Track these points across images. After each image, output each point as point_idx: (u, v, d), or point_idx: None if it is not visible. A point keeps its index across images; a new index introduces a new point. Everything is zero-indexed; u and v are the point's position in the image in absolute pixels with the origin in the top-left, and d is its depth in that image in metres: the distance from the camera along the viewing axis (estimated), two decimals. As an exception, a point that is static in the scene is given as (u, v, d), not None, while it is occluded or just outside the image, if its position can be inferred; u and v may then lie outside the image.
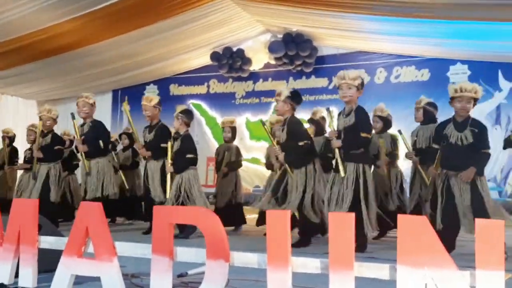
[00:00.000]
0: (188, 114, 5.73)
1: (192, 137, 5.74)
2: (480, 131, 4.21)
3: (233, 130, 6.91)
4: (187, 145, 5.55)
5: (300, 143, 4.76)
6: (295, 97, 4.94)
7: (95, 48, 8.52)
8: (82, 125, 5.87)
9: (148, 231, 5.46)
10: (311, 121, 5.99)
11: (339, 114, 4.69)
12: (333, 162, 4.68)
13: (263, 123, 5.33)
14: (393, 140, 5.73)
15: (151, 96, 6.04)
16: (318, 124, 5.91)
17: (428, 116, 5.32)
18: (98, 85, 10.55)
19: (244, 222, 6.62)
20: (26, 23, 7.26)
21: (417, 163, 5.25)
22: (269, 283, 2.05)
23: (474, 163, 4.12)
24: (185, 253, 2.29)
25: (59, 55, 8.55)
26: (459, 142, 4.20)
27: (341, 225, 1.89)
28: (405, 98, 8.54)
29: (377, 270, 1.85)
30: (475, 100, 4.25)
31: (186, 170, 5.44)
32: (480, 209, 4.01)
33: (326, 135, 5.49)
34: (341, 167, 4.34)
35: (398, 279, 1.75)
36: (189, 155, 5.49)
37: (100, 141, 5.71)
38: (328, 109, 4.77)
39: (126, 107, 6.07)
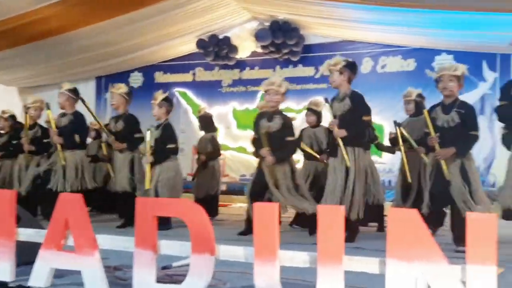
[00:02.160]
0: (169, 101, 5.55)
1: (172, 126, 5.55)
2: (467, 112, 4.11)
3: (202, 119, 6.79)
4: (168, 134, 5.35)
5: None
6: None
7: (78, 34, 8.33)
8: (62, 116, 5.74)
9: (123, 225, 5.28)
10: (311, 111, 5.94)
11: (332, 100, 4.63)
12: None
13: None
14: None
15: (120, 84, 5.88)
16: (319, 114, 5.86)
17: (420, 108, 5.30)
18: (81, 71, 10.33)
19: (216, 214, 6.54)
20: (6, 7, 7.06)
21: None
22: (256, 277, 2.01)
23: (459, 144, 4.05)
24: (169, 246, 2.23)
25: (41, 40, 8.34)
26: (446, 125, 4.14)
27: (330, 218, 1.84)
28: (391, 88, 8.56)
29: (367, 264, 1.81)
30: (459, 79, 4.14)
31: (167, 160, 5.29)
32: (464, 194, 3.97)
33: (325, 125, 5.39)
34: (346, 157, 4.30)
35: (387, 273, 1.72)
36: (170, 145, 5.30)
37: (76, 135, 5.59)
38: (326, 99, 4.68)
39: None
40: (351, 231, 4.25)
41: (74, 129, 5.61)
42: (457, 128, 4.08)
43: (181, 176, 5.47)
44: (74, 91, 5.77)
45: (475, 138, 4.15)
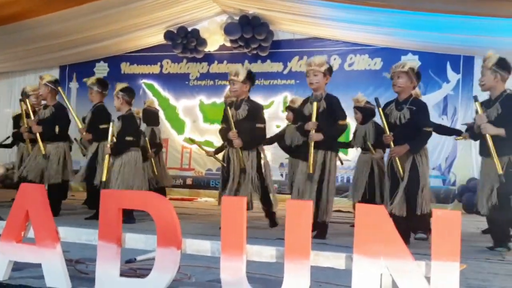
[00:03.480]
0: (129, 92, 5.37)
1: (135, 117, 5.44)
2: (418, 109, 4.13)
3: (146, 112, 6.94)
4: (127, 126, 5.20)
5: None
6: (252, 78, 4.96)
7: (42, 20, 8.05)
8: (45, 108, 5.65)
9: (91, 217, 5.15)
10: (289, 108, 5.93)
11: (305, 102, 4.61)
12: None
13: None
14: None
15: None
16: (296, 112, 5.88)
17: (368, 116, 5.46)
18: (45, 59, 10.03)
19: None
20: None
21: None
22: (222, 271, 1.99)
23: (411, 141, 4.07)
24: (134, 240, 2.19)
25: (3, 26, 8.03)
26: (397, 121, 4.15)
27: (298, 213, 1.84)
28: (358, 86, 8.66)
29: (334, 260, 1.82)
30: (409, 75, 4.15)
31: (126, 153, 5.15)
32: (413, 190, 4.02)
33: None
34: (311, 163, 4.26)
35: (354, 269, 1.73)
36: (128, 138, 5.14)
37: (56, 126, 5.51)
38: (313, 99, 4.48)
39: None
40: (321, 229, 4.31)
41: (55, 120, 5.53)
42: (409, 124, 4.10)
43: (139, 169, 5.35)
44: (55, 83, 5.69)
45: (428, 134, 4.19)
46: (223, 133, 5.04)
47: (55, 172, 5.49)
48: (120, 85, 5.38)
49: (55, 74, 10.65)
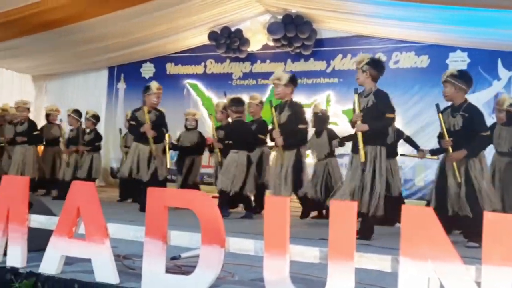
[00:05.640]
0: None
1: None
2: (472, 115, 4.23)
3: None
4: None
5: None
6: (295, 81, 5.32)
7: (91, 24, 8.32)
8: (149, 112, 6.09)
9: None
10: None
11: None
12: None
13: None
14: None
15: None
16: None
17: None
18: (94, 61, 10.36)
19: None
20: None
21: None
22: (265, 271, 2.00)
23: (465, 146, 4.16)
24: (179, 237, 2.23)
25: (54, 29, 8.35)
26: (452, 128, 4.29)
27: (342, 213, 1.82)
28: (404, 85, 8.49)
29: (379, 261, 1.79)
30: (454, 85, 4.30)
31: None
32: (471, 195, 4.09)
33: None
34: (362, 152, 4.30)
35: (400, 272, 1.70)
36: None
37: (163, 129, 6.20)
38: (356, 90, 4.52)
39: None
40: (367, 228, 4.29)
41: (161, 124, 6.21)
42: (463, 130, 4.21)
43: None
44: None
45: (485, 139, 4.30)
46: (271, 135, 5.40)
47: (164, 171, 6.08)
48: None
49: (103, 75, 11.05)
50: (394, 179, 5.25)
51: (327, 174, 5.81)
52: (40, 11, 7.53)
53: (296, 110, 5.26)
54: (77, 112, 7.82)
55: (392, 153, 5.12)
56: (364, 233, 4.20)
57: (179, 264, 2.66)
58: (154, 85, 6.20)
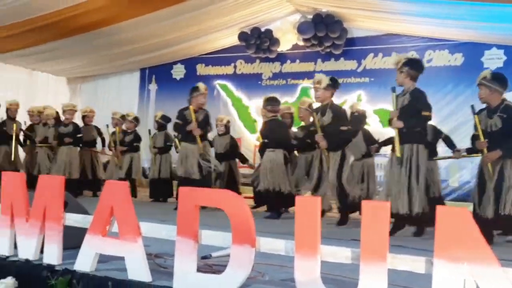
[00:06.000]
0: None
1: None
2: (509, 116, 4.21)
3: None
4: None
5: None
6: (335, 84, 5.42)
7: (123, 26, 8.49)
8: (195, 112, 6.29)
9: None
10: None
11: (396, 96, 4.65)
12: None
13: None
14: None
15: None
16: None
17: None
18: (126, 63, 10.56)
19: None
20: (56, 0, 7.26)
21: None
22: (296, 271, 1.99)
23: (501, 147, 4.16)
24: (211, 236, 2.25)
25: (89, 32, 8.55)
26: (489, 129, 4.27)
27: (375, 214, 1.79)
28: (437, 83, 8.31)
29: (412, 263, 1.76)
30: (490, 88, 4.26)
31: None
32: (500, 192, 4.10)
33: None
34: (397, 148, 4.37)
35: (435, 274, 1.66)
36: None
37: (208, 127, 6.48)
38: (393, 89, 4.61)
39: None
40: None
41: (208, 123, 6.43)
42: (500, 131, 4.19)
43: None
44: None
45: None
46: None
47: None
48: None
49: (135, 76, 11.24)
50: (434, 179, 5.18)
51: (365, 174, 5.79)
52: (78, 14, 7.73)
53: (338, 112, 5.31)
54: (134, 118, 8.27)
55: (431, 152, 5.02)
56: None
57: (210, 263, 2.68)
58: (201, 86, 6.35)
